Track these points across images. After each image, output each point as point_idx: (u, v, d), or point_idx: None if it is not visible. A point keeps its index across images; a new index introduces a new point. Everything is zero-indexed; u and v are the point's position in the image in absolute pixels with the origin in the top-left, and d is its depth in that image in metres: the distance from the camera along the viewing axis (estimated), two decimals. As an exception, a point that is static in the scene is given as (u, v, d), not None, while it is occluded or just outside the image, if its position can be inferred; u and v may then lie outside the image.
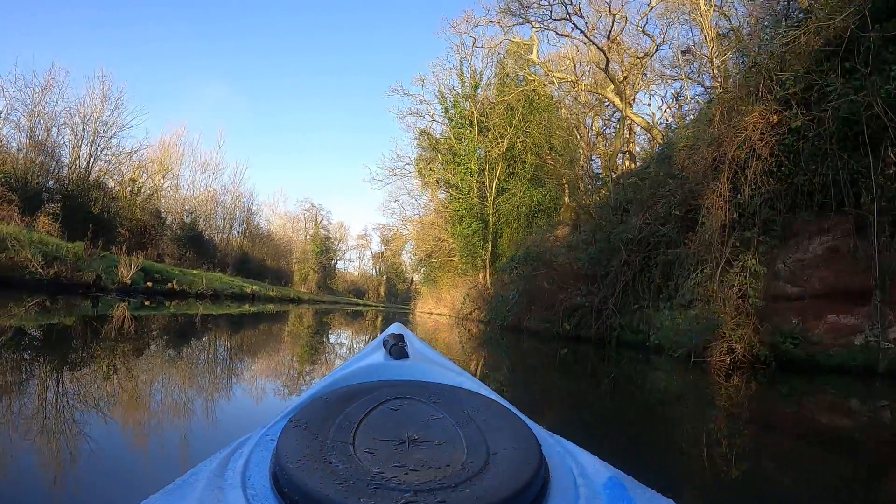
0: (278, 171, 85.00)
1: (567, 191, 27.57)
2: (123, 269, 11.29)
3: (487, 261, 26.48)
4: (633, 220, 9.86)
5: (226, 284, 18.80)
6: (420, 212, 38.60)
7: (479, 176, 27.51)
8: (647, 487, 0.73)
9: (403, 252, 63.12)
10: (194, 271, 18.19)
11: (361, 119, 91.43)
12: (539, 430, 0.84)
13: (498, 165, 26.99)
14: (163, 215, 23.13)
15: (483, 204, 27.12)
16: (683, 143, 9.51)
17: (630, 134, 23.50)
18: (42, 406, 2.43)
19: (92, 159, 19.14)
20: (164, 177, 27.28)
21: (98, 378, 3.28)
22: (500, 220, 26.91)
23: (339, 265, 74.57)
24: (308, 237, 64.03)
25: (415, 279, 75.22)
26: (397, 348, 1.19)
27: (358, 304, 52.97)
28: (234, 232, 34.45)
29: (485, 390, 1.04)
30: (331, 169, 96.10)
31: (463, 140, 28.06)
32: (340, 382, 0.99)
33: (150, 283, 12.71)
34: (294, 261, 54.36)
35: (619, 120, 21.67)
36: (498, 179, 26.97)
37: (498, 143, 26.64)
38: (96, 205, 18.09)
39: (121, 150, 20.94)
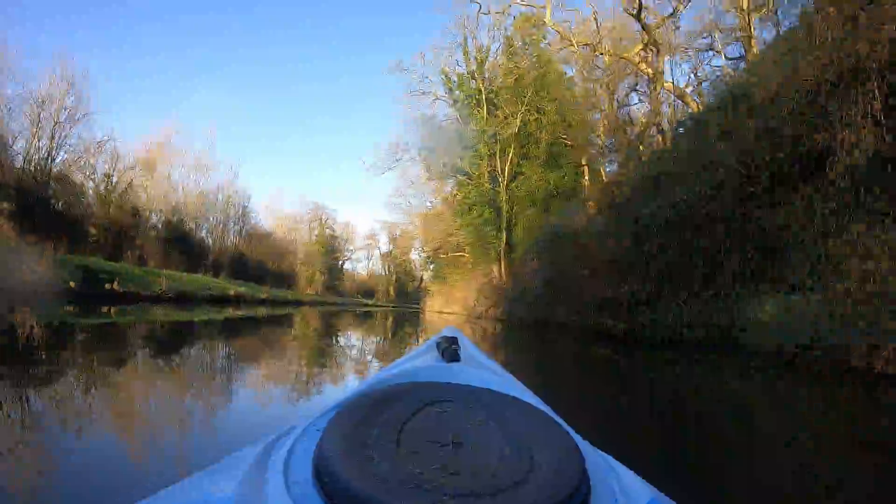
0: (279, 177, 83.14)
1: (587, 171, 25.41)
2: (30, 264, 8.75)
3: (502, 252, 24.05)
4: (700, 177, 7.44)
5: (202, 285, 16.40)
6: (427, 204, 36.44)
7: (489, 160, 25.07)
8: None
9: (412, 250, 61.24)
10: (163, 271, 15.90)
11: (369, 121, 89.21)
12: (583, 444, 0.80)
13: (510, 147, 24.55)
14: (141, 213, 20.74)
15: (495, 190, 24.67)
16: (762, 82, 7.10)
17: (656, 102, 21.11)
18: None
19: (54, 150, 16.89)
20: (151, 175, 25.24)
21: None
22: (514, 207, 24.47)
23: (347, 266, 72.62)
24: (313, 238, 62.11)
25: (424, 277, 73.99)
26: (450, 351, 1.17)
27: (367, 305, 51.20)
28: (230, 233, 32.30)
29: (533, 399, 0.99)
30: (335, 172, 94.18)
31: (470, 122, 25.62)
32: (390, 381, 0.96)
33: (73, 283, 10.33)
34: (298, 262, 52.32)
35: (649, 85, 19.18)
36: (510, 162, 24.53)
37: (509, 122, 24.20)
38: (59, 200, 15.92)
39: (91, 139, 18.67)
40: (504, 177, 24.42)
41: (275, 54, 78.06)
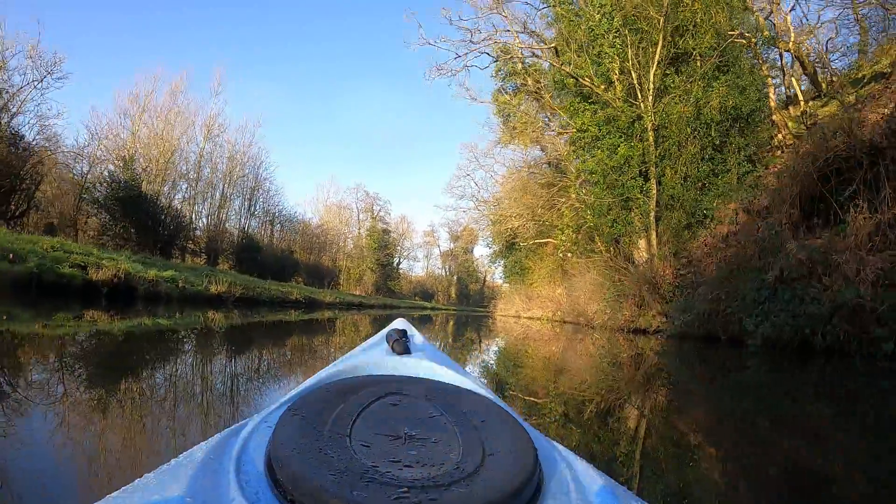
0: (331, 166, 77.10)
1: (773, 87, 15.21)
2: None
3: (651, 216, 13.94)
4: None
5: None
6: (499, 177, 27.14)
7: (622, 68, 15.04)
8: (640, 499, 0.70)
9: (479, 240, 51.88)
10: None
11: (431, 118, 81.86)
12: (537, 435, 0.79)
13: (654, 45, 14.49)
14: (27, 140, 12.05)
15: (634, 111, 14.58)
16: None
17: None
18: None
19: None
20: (133, 127, 17.10)
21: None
22: (664, 143, 14.36)
23: (403, 265, 64.00)
24: (364, 231, 53.94)
25: (487, 279, 65.12)
26: (400, 343, 1.14)
27: (425, 308, 42.34)
28: (238, 211, 23.83)
29: (486, 392, 0.96)
30: (389, 169, 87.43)
31: (590, 6, 15.62)
32: (341, 374, 0.95)
33: None
34: (344, 257, 43.98)
35: None
36: (656, 69, 14.44)
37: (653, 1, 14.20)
38: None
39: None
40: (650, 89, 14.36)
41: (324, 53, 72.57)
